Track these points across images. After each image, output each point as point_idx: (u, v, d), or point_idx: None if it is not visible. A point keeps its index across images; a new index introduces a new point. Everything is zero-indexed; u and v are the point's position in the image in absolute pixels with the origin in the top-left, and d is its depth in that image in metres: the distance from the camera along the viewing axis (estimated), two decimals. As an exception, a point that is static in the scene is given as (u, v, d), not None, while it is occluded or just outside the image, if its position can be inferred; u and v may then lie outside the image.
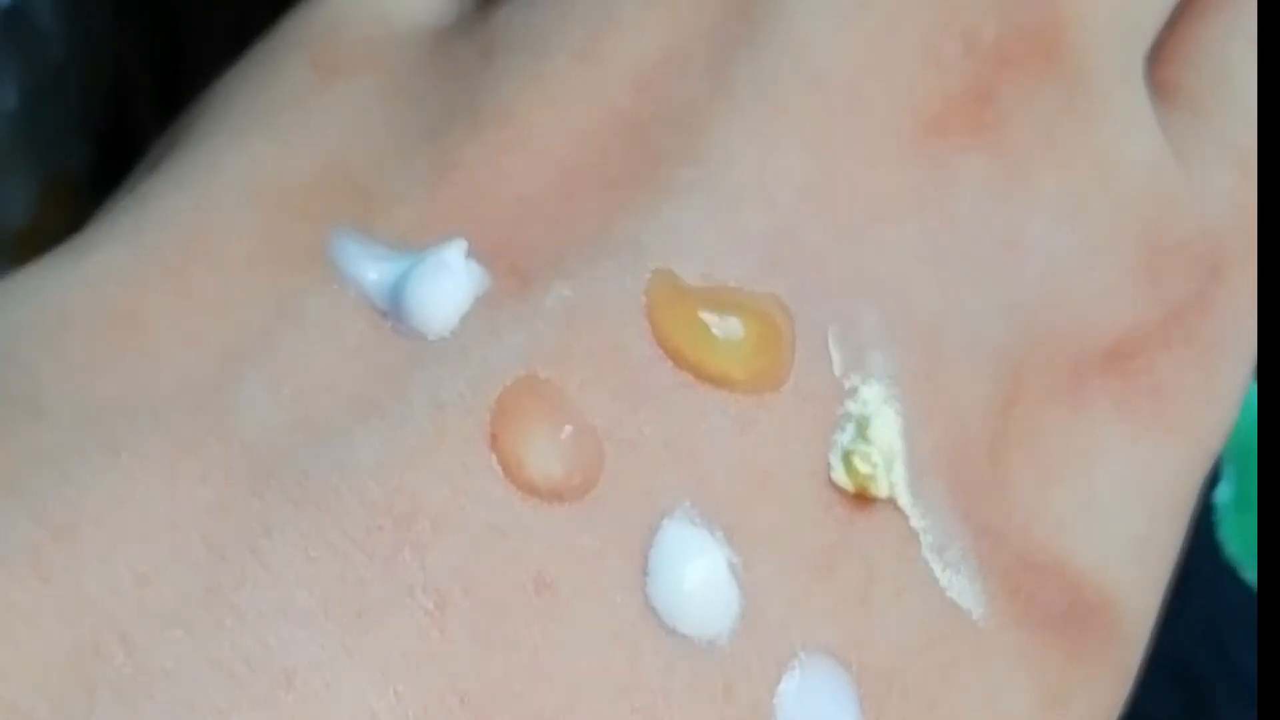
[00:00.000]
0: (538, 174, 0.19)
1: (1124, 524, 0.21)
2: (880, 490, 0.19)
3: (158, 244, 0.19)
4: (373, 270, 0.19)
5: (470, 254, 0.19)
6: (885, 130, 0.20)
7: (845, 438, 0.19)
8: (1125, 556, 0.21)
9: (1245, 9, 0.23)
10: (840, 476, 0.19)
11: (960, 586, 0.19)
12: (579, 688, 0.17)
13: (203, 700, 0.16)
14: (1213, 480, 0.28)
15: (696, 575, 0.18)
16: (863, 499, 0.19)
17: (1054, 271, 0.21)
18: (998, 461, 0.20)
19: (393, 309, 0.18)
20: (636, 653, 0.17)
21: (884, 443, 0.19)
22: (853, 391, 0.19)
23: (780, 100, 0.20)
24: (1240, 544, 0.29)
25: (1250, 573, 0.29)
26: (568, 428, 0.18)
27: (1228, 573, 0.29)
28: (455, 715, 0.17)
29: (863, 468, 0.19)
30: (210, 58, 0.35)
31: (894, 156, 0.20)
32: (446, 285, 0.18)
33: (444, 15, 0.22)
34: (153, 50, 0.34)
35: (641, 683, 0.17)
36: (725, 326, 0.19)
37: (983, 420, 0.20)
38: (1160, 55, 0.23)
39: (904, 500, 0.19)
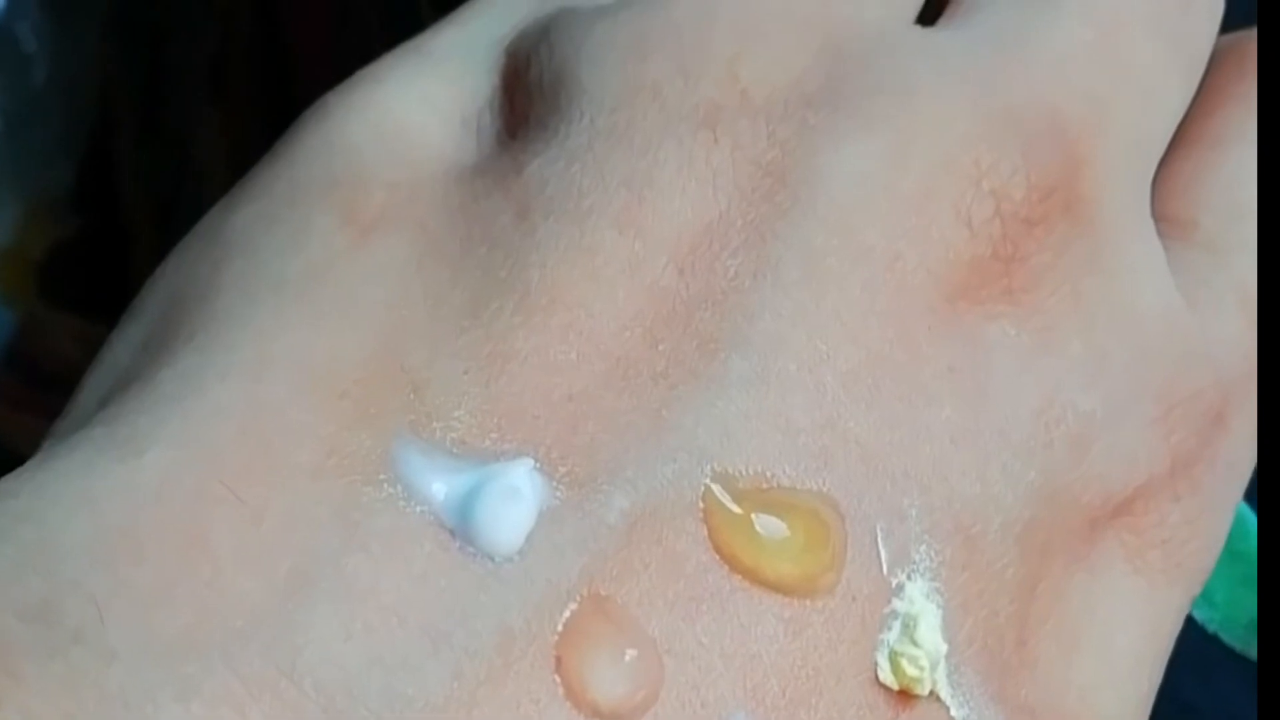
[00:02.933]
0: (589, 366, 0.19)
1: (1136, 682, 0.21)
2: (925, 689, 0.19)
3: (216, 449, 0.18)
4: (437, 482, 0.18)
5: (530, 469, 0.18)
6: (920, 304, 0.20)
7: (892, 637, 0.19)
8: (1133, 715, 0.21)
9: (1254, 144, 0.22)
10: (887, 676, 0.19)
11: None
12: None
13: None
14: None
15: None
16: (906, 695, 0.19)
17: (1081, 438, 0.20)
18: (1027, 640, 0.20)
19: (460, 528, 0.18)
20: None
21: (930, 643, 0.19)
22: (899, 589, 0.19)
23: (823, 277, 0.19)
24: None
25: (1199, 611, 0.30)
26: (630, 651, 0.18)
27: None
28: None
29: (910, 670, 0.19)
30: (193, 84, 0.34)
31: (928, 332, 0.20)
32: (514, 509, 0.18)
33: (466, 149, 0.21)
34: (135, 73, 0.34)
35: None
36: (779, 529, 0.19)
37: (1011, 602, 0.20)
38: (1171, 186, 0.22)
39: (944, 693, 0.19)
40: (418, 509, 0.18)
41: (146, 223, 0.34)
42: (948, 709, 0.19)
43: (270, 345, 0.19)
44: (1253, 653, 0.29)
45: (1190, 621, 0.30)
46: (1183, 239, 0.22)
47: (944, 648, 0.19)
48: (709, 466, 0.19)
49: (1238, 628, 0.29)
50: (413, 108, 0.21)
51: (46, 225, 0.33)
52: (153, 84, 0.34)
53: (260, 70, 0.34)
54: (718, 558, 0.18)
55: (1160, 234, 0.22)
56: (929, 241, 0.20)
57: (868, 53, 0.21)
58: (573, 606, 0.18)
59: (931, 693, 0.19)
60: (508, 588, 0.18)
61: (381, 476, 0.18)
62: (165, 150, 0.34)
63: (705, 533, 0.18)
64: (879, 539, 0.19)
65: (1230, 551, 0.30)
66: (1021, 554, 0.20)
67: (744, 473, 0.19)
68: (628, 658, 0.18)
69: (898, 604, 0.19)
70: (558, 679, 0.17)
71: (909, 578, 0.19)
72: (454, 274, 0.20)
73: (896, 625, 0.19)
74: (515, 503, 0.18)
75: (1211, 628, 0.30)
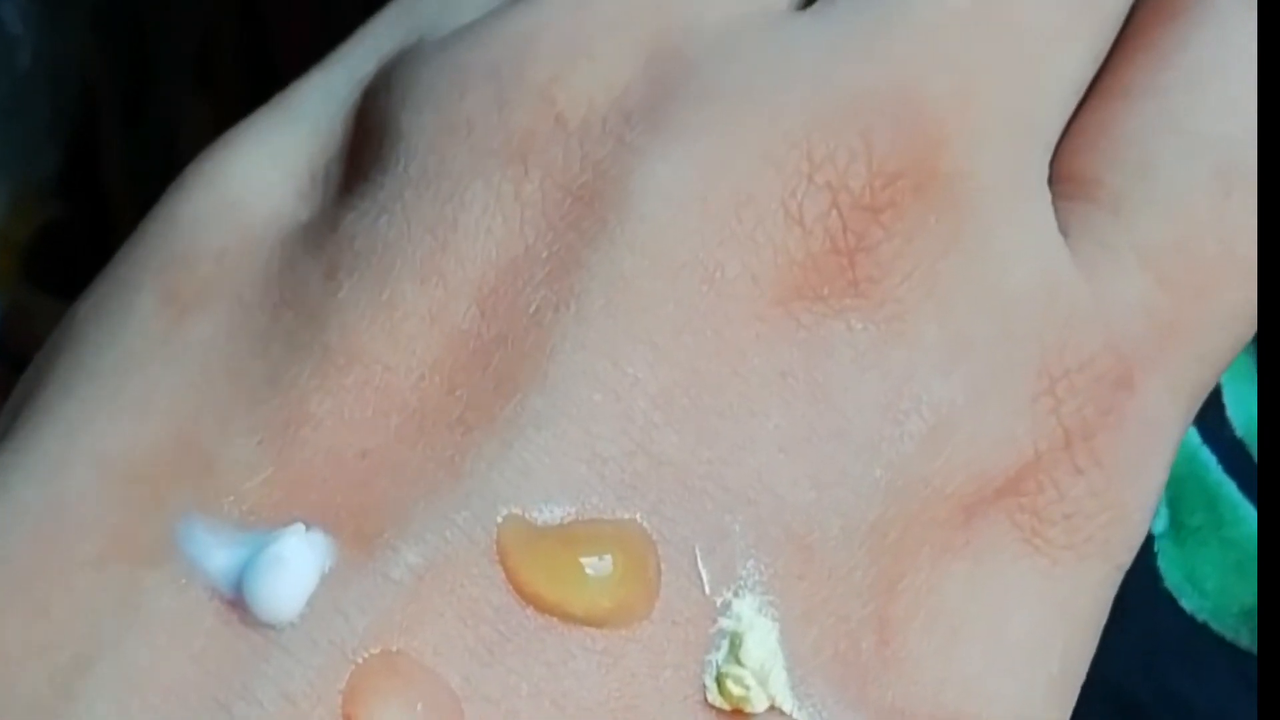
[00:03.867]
0: (384, 421, 0.19)
1: (1044, 664, 0.20)
2: (757, 705, 0.18)
3: (10, 549, 0.18)
4: (220, 557, 0.18)
5: (315, 526, 0.18)
6: (744, 312, 0.19)
7: (719, 656, 0.18)
8: (1042, 699, 0.20)
9: (1172, 96, 0.21)
10: (715, 697, 0.18)
11: None
12: None
13: None
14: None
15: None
16: (740, 714, 0.18)
17: (940, 426, 0.20)
18: (889, 641, 0.19)
19: (239, 600, 0.18)
20: None
21: (757, 659, 0.18)
22: (725, 607, 0.18)
23: (631, 302, 0.19)
24: (1179, 574, 0.29)
25: (1188, 600, 0.30)
26: (422, 703, 0.17)
27: (1167, 602, 0.30)
28: None
29: (735, 689, 0.18)
30: (178, 71, 0.35)
31: (755, 340, 0.19)
32: (285, 575, 0.18)
33: (310, 207, 0.21)
34: (121, 60, 0.34)
35: None
36: (585, 563, 0.18)
37: (865, 604, 0.19)
38: (1076, 142, 0.22)
39: (787, 705, 0.18)
40: (199, 586, 0.18)
41: (131, 208, 0.34)
42: None
43: (73, 440, 0.19)
44: (1243, 642, 0.28)
45: (1179, 611, 0.30)
46: (1086, 198, 0.21)
47: (779, 661, 0.18)
48: (503, 509, 0.18)
49: (1228, 616, 0.29)
50: (258, 169, 0.21)
51: (32, 210, 0.33)
52: (139, 70, 0.34)
53: (246, 58, 0.34)
54: (519, 599, 0.18)
55: (1063, 195, 0.21)
56: (753, 246, 0.19)
57: (702, 58, 0.20)
58: (358, 665, 0.17)
59: (773, 707, 0.19)
60: (287, 654, 0.17)
61: (165, 558, 0.18)
62: (150, 136, 0.34)
63: (503, 575, 0.18)
64: (699, 559, 0.19)
65: (1221, 539, 0.29)
66: (871, 554, 0.19)
67: (545, 510, 0.18)
68: (419, 710, 0.17)
69: (725, 622, 0.18)
70: None
71: (736, 594, 0.19)
72: (260, 344, 0.20)
73: (725, 644, 0.18)
74: (281, 570, 0.18)
75: (1201, 616, 0.29)
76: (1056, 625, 0.20)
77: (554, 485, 0.18)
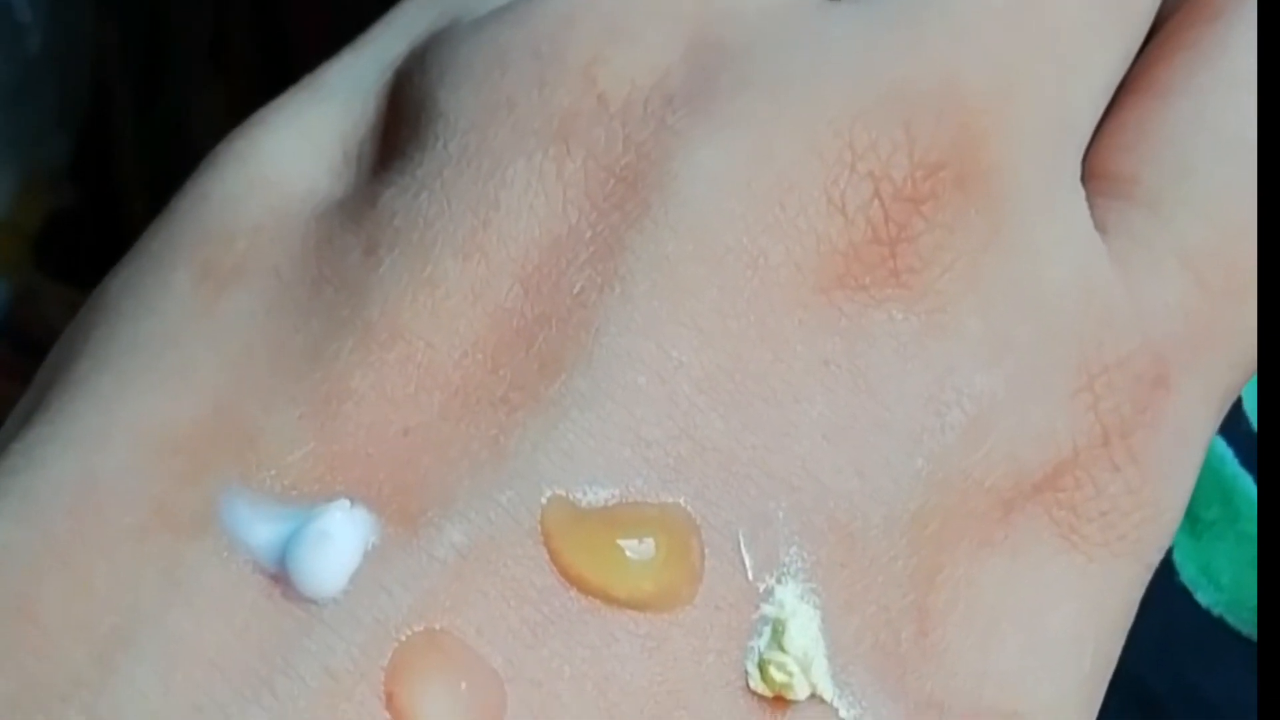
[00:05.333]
0: (428, 398, 0.18)
1: (1077, 662, 0.20)
2: (800, 693, 0.18)
3: (49, 521, 0.18)
4: (262, 530, 0.18)
5: (359, 502, 0.18)
6: (788, 299, 0.19)
7: (761, 643, 0.18)
8: (1075, 696, 0.20)
9: (1211, 98, 0.21)
10: (757, 684, 0.18)
11: None
12: None
13: None
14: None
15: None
16: (782, 701, 0.18)
17: (980, 419, 0.19)
18: (928, 632, 0.19)
19: (282, 574, 0.18)
20: None
21: (800, 646, 0.18)
22: (768, 594, 0.18)
23: (676, 285, 0.19)
24: (1194, 567, 0.29)
25: (1204, 594, 0.29)
26: (466, 682, 0.17)
27: (1182, 596, 0.29)
28: None
29: (778, 676, 0.18)
30: (191, 56, 0.34)
31: (799, 327, 0.19)
32: (327, 552, 0.17)
33: (344, 184, 0.21)
34: (133, 45, 0.34)
35: None
36: (628, 546, 0.18)
37: (905, 595, 0.19)
38: (1112, 140, 0.21)
39: (828, 694, 0.18)
40: (242, 559, 0.18)
41: (143, 195, 0.34)
42: (835, 710, 0.18)
43: (111, 412, 0.19)
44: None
45: (1195, 605, 0.30)
46: (1124, 196, 0.21)
47: (821, 649, 0.18)
48: (548, 490, 0.18)
49: (1244, 610, 0.29)
50: (291, 146, 0.21)
51: (42, 196, 0.33)
52: (151, 57, 0.34)
53: (259, 44, 0.34)
54: (563, 581, 0.18)
55: (1099, 192, 0.21)
56: (796, 234, 0.19)
57: (743, 46, 0.20)
58: (401, 642, 0.17)
59: (815, 695, 0.18)
60: (331, 630, 0.17)
61: (207, 530, 0.18)
62: (162, 123, 0.34)
63: (547, 557, 0.18)
64: (742, 544, 0.18)
65: (1237, 533, 0.29)
66: (911, 545, 0.19)
67: (589, 492, 0.18)
68: (464, 689, 0.17)
69: (767, 609, 0.18)
70: (388, 716, 0.17)
71: (779, 581, 0.18)
72: (300, 319, 0.19)
73: (767, 631, 0.18)
74: (326, 545, 0.18)
75: (1217, 611, 0.29)
76: (1090, 623, 0.20)
77: (598, 467, 0.18)
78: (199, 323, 0.19)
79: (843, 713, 0.18)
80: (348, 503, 0.18)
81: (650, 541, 0.18)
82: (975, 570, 0.19)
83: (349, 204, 0.20)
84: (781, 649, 0.18)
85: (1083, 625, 0.20)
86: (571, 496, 0.18)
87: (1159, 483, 0.20)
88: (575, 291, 0.19)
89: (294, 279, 0.20)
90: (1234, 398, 0.22)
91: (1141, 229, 0.21)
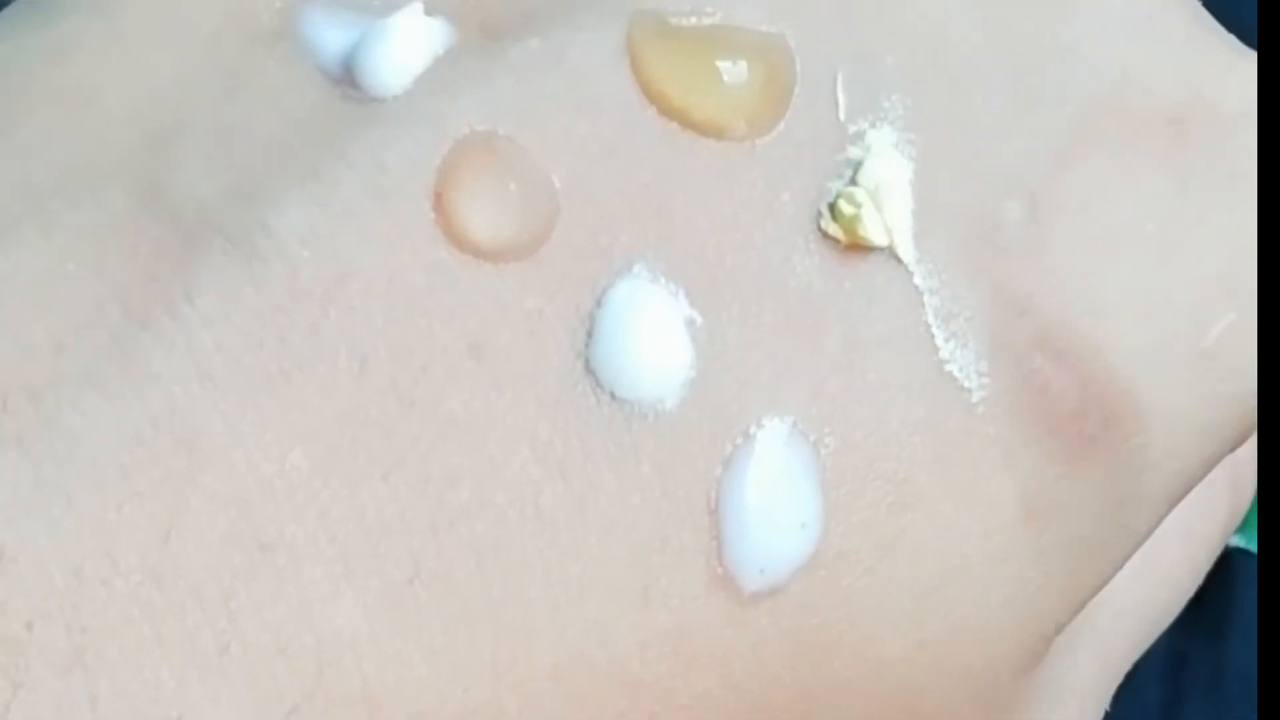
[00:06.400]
0: None
1: (1176, 321, 0.17)
2: (874, 235, 0.17)
3: (120, 16, 0.18)
4: (334, 37, 0.17)
5: (435, 13, 0.17)
6: None
7: (841, 185, 0.17)
8: (1169, 365, 0.17)
9: None
10: (828, 224, 0.17)
11: (964, 361, 0.17)
12: (496, 449, 0.16)
13: (106, 457, 0.15)
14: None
15: (643, 334, 0.16)
16: (856, 249, 0.17)
17: (1129, 46, 0.18)
18: (1039, 221, 0.17)
19: (346, 76, 0.17)
20: (563, 416, 0.16)
21: (884, 191, 0.17)
22: (858, 136, 0.17)
23: None
24: None
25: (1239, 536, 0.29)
26: (513, 184, 0.16)
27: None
28: (361, 472, 0.16)
29: (847, 209, 0.17)
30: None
31: None
32: (395, 46, 0.17)
33: None
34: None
35: (563, 446, 0.16)
36: (715, 67, 0.17)
37: (1026, 173, 0.17)
38: None
39: (905, 252, 0.17)
40: (309, 63, 0.17)
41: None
42: (910, 275, 0.17)
43: None
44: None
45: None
46: None
47: (908, 204, 0.17)
48: (641, 2, 0.17)
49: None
50: None
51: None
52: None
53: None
54: (643, 97, 0.17)
55: None
56: None
57: None
58: (458, 141, 0.17)
59: (893, 255, 0.17)
60: (390, 123, 0.17)
61: (279, 35, 0.18)
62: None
63: (630, 72, 0.17)
64: (839, 83, 0.17)
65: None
66: (1038, 127, 0.17)
67: (687, 19, 0.17)
68: (515, 195, 0.16)
69: (854, 151, 0.17)
70: (436, 216, 0.16)
71: (873, 125, 0.17)
72: None
73: (848, 174, 0.17)
74: (391, 40, 0.17)
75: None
76: (1196, 278, 0.18)
77: None
78: None
79: (918, 279, 0.17)
80: (420, 6, 0.17)
81: (743, 64, 0.17)
82: (1103, 180, 0.17)
83: None
84: (869, 194, 0.17)
85: (1187, 279, 0.18)
86: (662, 11, 0.17)
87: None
88: None
89: None
90: None
91: None
